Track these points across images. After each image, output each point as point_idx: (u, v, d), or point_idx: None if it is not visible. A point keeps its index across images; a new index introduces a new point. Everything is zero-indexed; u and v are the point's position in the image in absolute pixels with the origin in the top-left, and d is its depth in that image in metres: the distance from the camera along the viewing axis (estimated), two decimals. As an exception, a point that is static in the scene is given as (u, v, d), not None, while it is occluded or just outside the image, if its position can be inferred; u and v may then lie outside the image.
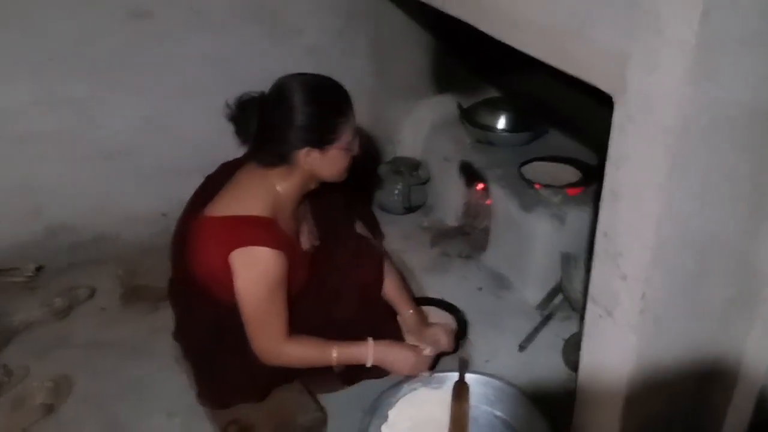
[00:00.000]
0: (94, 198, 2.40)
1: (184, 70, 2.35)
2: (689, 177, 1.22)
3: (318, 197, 1.79)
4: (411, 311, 1.89)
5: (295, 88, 1.56)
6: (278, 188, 1.63)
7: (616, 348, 1.44)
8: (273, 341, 1.61)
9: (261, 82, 1.66)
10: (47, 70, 2.17)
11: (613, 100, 1.26)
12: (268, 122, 1.56)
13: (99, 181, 2.38)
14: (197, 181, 2.32)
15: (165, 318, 2.16)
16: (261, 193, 1.61)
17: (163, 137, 2.41)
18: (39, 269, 2.35)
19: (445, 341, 1.89)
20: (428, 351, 1.83)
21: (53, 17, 2.12)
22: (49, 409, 1.88)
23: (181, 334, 1.85)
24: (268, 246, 1.54)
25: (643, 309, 1.34)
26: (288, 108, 1.54)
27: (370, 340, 1.71)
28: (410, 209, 2.68)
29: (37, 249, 2.37)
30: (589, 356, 1.56)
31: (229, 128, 2.16)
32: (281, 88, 1.58)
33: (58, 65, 2.18)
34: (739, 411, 1.51)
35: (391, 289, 1.86)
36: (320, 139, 1.57)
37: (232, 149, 1.79)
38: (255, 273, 1.55)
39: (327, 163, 1.61)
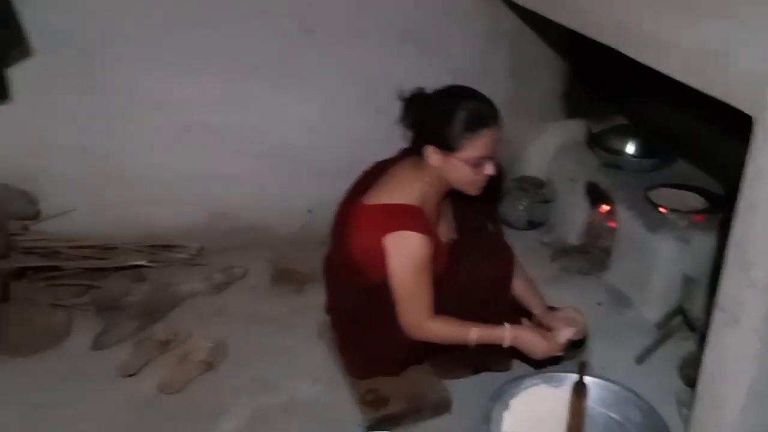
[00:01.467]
0: (253, 191, 2.71)
1: (341, 83, 2.62)
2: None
3: (459, 197, 1.97)
4: (543, 307, 2.04)
5: (448, 93, 1.78)
6: (425, 182, 1.83)
7: (740, 354, 1.53)
8: (419, 317, 1.81)
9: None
10: (231, 72, 2.50)
11: (753, 119, 1.38)
12: (418, 116, 1.80)
13: (258, 175, 2.69)
14: (340, 182, 2.57)
15: (308, 299, 2.44)
16: (411, 185, 1.83)
17: (317, 141, 2.69)
18: (200, 249, 2.66)
19: (580, 319, 2.02)
20: (562, 337, 1.96)
21: (242, 30, 2.45)
22: (209, 366, 2.16)
23: (332, 307, 2.09)
24: (417, 231, 1.75)
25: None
26: (432, 107, 1.76)
27: (507, 324, 1.87)
28: (532, 225, 2.83)
29: (200, 232, 2.69)
30: (712, 363, 1.64)
31: (373, 136, 2.46)
32: (441, 90, 1.80)
33: (240, 69, 2.50)
34: None
35: (522, 287, 2.02)
36: (443, 144, 1.76)
37: (374, 155, 2.07)
38: (406, 254, 1.76)
39: (449, 168, 1.79)
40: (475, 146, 1.75)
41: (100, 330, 2.28)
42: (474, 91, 1.81)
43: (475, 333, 1.83)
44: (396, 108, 2.58)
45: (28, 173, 2.45)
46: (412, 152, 1.87)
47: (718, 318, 1.59)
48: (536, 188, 2.83)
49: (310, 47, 2.54)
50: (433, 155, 1.78)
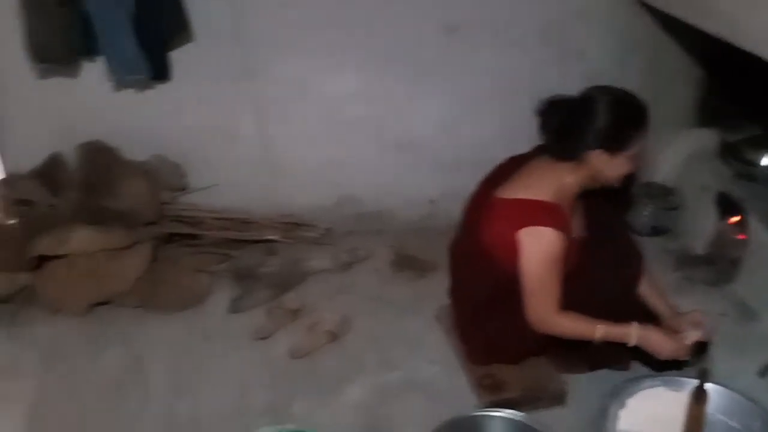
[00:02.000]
0: (380, 179, 2.84)
1: (477, 80, 2.70)
2: None
3: (590, 195, 2.01)
4: (670, 310, 2.04)
5: (602, 96, 1.80)
6: (565, 180, 1.87)
7: None
8: (547, 311, 1.85)
9: (540, 97, 1.92)
10: (372, 67, 2.64)
11: None
12: (571, 121, 1.81)
13: (388, 165, 2.82)
14: (464, 176, 2.63)
15: (428, 286, 2.54)
16: (550, 182, 1.86)
17: (445, 135, 2.79)
18: (328, 230, 2.83)
19: (706, 323, 1.99)
20: (689, 338, 1.95)
21: (385, 26, 2.59)
22: (334, 337, 2.30)
23: (456, 293, 2.17)
24: (553, 227, 1.79)
25: None
26: (592, 111, 1.79)
27: (635, 323, 1.89)
28: (656, 232, 2.80)
29: (328, 213, 2.86)
30: None
31: (501, 135, 2.52)
32: (589, 95, 1.83)
33: (382, 64, 2.64)
34: None
35: (649, 289, 2.03)
36: (614, 145, 1.80)
37: (500, 153, 2.10)
38: (540, 250, 1.80)
39: (612, 167, 1.83)
40: (641, 141, 1.82)
41: (237, 295, 2.49)
42: (617, 87, 1.85)
43: (601, 330, 1.86)
44: (525, 108, 2.66)
45: (181, 148, 2.69)
46: (549, 152, 1.90)
47: None
48: (663, 195, 2.80)
49: (449, 44, 2.63)
50: (597, 158, 1.81)
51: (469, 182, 2.32)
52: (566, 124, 1.82)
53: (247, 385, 2.13)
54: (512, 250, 1.84)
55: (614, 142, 1.80)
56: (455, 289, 2.17)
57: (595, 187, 1.93)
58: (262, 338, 2.30)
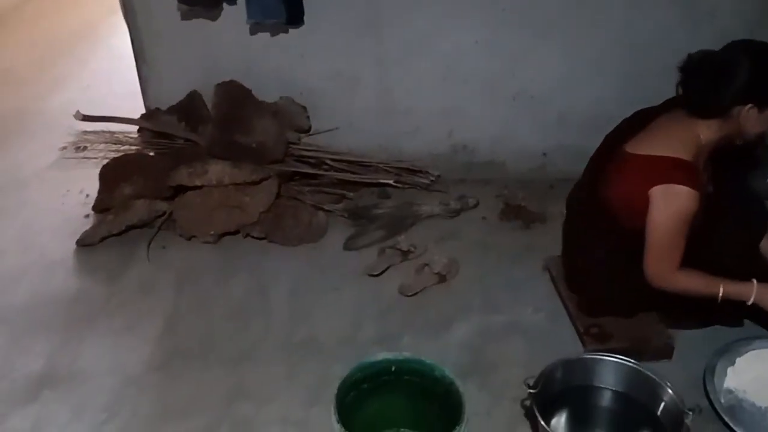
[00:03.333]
0: (496, 129, 2.87)
1: (601, 38, 2.65)
2: None
3: (716, 153, 1.96)
4: None
5: (748, 50, 1.76)
6: (702, 138, 1.84)
7: None
8: (668, 269, 1.85)
9: (667, 60, 1.90)
10: (493, 22, 2.65)
11: None
12: (717, 77, 1.76)
13: (502, 117, 2.84)
14: (578, 132, 2.66)
15: (535, 236, 2.60)
16: (686, 139, 1.83)
17: (564, 91, 2.77)
18: (439, 177, 2.90)
19: None
20: None
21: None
22: (443, 279, 2.40)
23: (571, 245, 2.19)
24: (689, 186, 1.77)
25: None
26: (739, 66, 1.74)
27: (755, 281, 1.87)
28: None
29: (441, 161, 2.93)
30: None
31: (617, 95, 2.47)
32: (734, 49, 1.78)
33: (504, 19, 2.64)
34: None
35: None
36: (765, 99, 1.76)
37: (619, 111, 2.09)
38: (673, 208, 1.78)
39: (760, 122, 1.79)
40: None
41: (352, 234, 2.63)
42: (760, 41, 1.79)
43: (721, 286, 1.85)
44: (649, 69, 2.59)
45: (307, 92, 2.82)
46: (692, 108, 1.85)
47: None
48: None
49: (574, 0, 2.60)
50: (746, 113, 1.77)
51: (582, 138, 2.35)
52: (713, 80, 1.78)
53: (359, 316, 2.27)
54: (640, 206, 1.83)
55: (765, 95, 1.76)
56: (571, 240, 2.20)
57: (730, 145, 1.89)
58: (374, 275, 2.43)
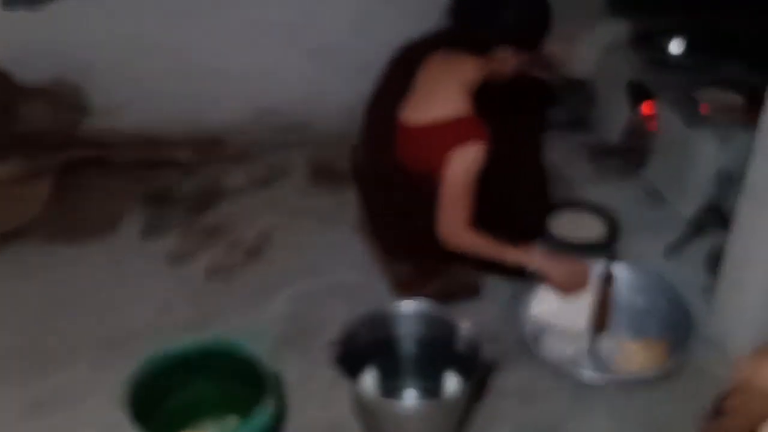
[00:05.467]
0: (299, 89, 2.76)
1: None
2: None
3: (508, 102, 1.93)
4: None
5: None
6: (468, 78, 1.81)
7: (765, 238, 1.57)
8: (459, 226, 1.82)
9: None
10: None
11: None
12: (480, 12, 1.73)
13: (305, 74, 2.73)
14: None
15: (348, 195, 2.52)
16: (459, 89, 1.79)
17: (362, 37, 2.67)
18: (246, 146, 2.75)
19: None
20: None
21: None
22: (254, 253, 2.29)
23: (370, 207, 2.16)
24: (481, 142, 1.75)
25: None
26: (502, 4, 1.71)
27: (538, 249, 1.91)
28: (574, 126, 2.82)
29: (247, 128, 2.77)
30: (737, 248, 1.69)
31: (420, 30, 2.42)
32: None
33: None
34: None
35: None
36: (525, 42, 1.76)
37: None
38: (466, 165, 1.76)
39: (513, 64, 1.78)
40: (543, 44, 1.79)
41: (151, 219, 2.43)
42: None
43: (506, 254, 1.86)
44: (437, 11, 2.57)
45: (85, 67, 2.54)
46: (458, 43, 1.82)
47: (745, 203, 1.63)
48: (578, 88, 2.81)
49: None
50: (504, 55, 1.76)
51: None
52: (479, 14, 1.74)
53: (166, 304, 2.11)
54: (436, 171, 1.80)
55: (526, 42, 1.77)
56: (369, 201, 2.17)
57: (489, 82, 1.86)
58: (179, 259, 2.27)
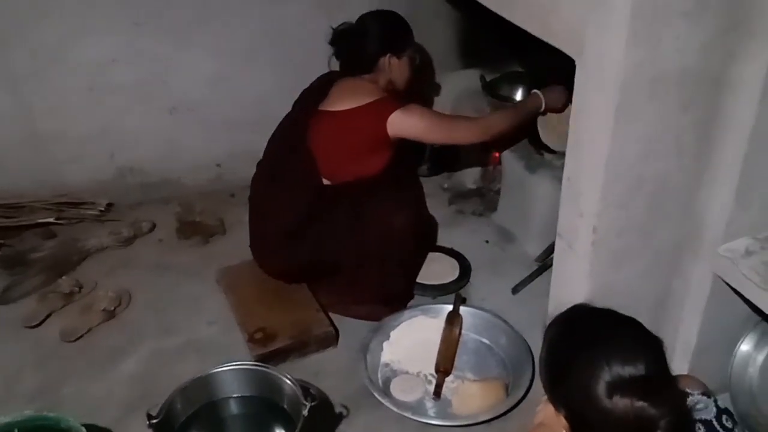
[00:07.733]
0: (161, 146, 2.75)
1: (245, 33, 2.64)
2: (635, 127, 1.44)
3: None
4: None
5: (374, 15, 2.19)
6: (376, 88, 2.13)
7: (576, 276, 1.69)
8: (470, 126, 2.15)
9: (311, 47, 2.30)
10: (133, 30, 2.51)
11: (576, 61, 1.50)
12: (355, 40, 2.15)
13: (166, 131, 2.73)
14: (248, 136, 2.59)
15: (214, 249, 2.56)
16: (372, 90, 2.11)
17: (223, 95, 2.72)
18: (110, 205, 2.73)
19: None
20: None
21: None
22: (111, 314, 2.26)
23: (264, 214, 2.24)
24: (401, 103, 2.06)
25: (595, 241, 1.58)
26: (370, 27, 2.16)
27: (538, 91, 2.25)
28: (434, 172, 2.95)
29: (109, 187, 2.75)
30: (557, 286, 1.81)
31: (278, 87, 2.51)
32: (365, 17, 2.19)
33: (143, 27, 2.52)
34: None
35: None
36: (395, 45, 2.15)
37: (282, 107, 2.26)
38: (418, 113, 2.06)
39: (400, 70, 2.19)
40: (413, 42, 2.24)
41: (6, 285, 2.36)
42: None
43: (518, 108, 2.26)
44: (297, 57, 2.68)
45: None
46: (349, 69, 2.19)
47: (559, 244, 1.75)
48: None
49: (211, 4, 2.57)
50: (388, 62, 2.16)
51: (254, 140, 2.33)
52: (355, 42, 2.15)
53: (14, 373, 2.05)
54: (355, 153, 2.10)
55: (395, 42, 2.16)
56: (262, 209, 2.25)
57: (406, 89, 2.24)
58: (33, 326, 2.21)
